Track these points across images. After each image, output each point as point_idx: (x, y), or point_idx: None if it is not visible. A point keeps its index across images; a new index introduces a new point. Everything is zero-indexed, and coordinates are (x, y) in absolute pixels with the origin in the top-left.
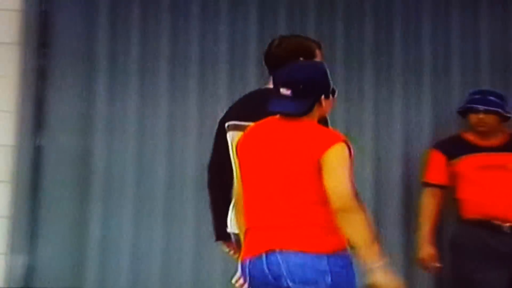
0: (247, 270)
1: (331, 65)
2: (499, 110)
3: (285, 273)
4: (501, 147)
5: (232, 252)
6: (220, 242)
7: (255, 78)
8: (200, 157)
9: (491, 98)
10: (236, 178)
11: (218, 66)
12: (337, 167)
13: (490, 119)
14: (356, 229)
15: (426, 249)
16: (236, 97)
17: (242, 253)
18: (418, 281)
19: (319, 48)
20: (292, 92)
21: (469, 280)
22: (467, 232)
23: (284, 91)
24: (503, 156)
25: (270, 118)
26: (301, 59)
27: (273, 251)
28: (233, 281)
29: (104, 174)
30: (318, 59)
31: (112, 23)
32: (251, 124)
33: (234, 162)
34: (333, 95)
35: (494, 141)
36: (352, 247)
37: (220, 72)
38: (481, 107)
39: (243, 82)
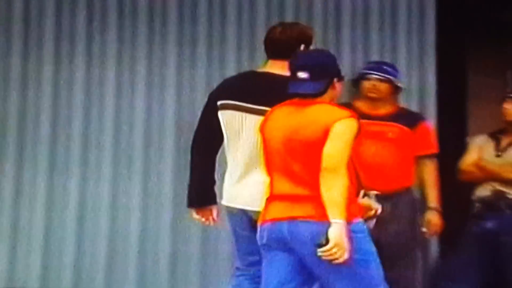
0: (265, 232)
1: None
2: (392, 78)
3: (308, 239)
4: (387, 117)
5: (203, 220)
6: (192, 209)
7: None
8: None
9: (386, 67)
10: (261, 155)
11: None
12: (341, 136)
13: (383, 87)
14: (335, 189)
15: None
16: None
17: (261, 217)
18: None
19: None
20: (310, 74)
21: None
22: None
23: (301, 74)
24: (388, 126)
25: (288, 101)
26: (303, 46)
27: (295, 218)
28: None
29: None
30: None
31: None
32: (245, 104)
33: (259, 141)
34: (342, 80)
35: (383, 110)
36: (325, 205)
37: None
38: (375, 74)
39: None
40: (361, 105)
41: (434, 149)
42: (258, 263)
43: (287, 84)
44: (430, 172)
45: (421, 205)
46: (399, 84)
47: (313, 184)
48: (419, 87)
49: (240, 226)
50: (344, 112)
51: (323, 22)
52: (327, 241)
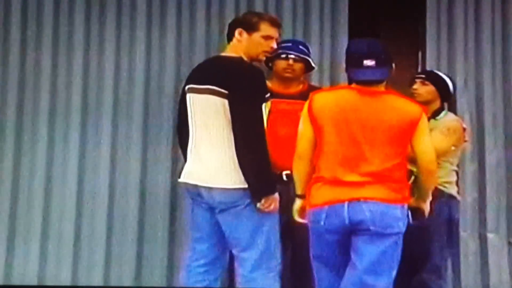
0: (323, 215)
1: None
2: (308, 58)
3: (369, 218)
4: (298, 95)
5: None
6: None
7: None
8: None
9: (301, 47)
10: (304, 137)
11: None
12: (427, 130)
13: (298, 66)
14: (436, 179)
15: None
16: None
17: (315, 200)
18: None
19: (271, 24)
20: (376, 62)
21: None
22: None
23: (368, 62)
24: (299, 104)
25: (342, 87)
26: (239, 30)
27: (358, 200)
28: None
29: None
30: (263, 33)
31: None
32: (196, 85)
33: (303, 125)
34: None
35: (294, 89)
36: (425, 190)
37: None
38: (293, 54)
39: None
40: (273, 83)
41: None
42: (199, 240)
43: (227, 62)
44: None
45: None
46: (313, 64)
47: (380, 172)
48: (331, 65)
49: (195, 203)
50: (418, 105)
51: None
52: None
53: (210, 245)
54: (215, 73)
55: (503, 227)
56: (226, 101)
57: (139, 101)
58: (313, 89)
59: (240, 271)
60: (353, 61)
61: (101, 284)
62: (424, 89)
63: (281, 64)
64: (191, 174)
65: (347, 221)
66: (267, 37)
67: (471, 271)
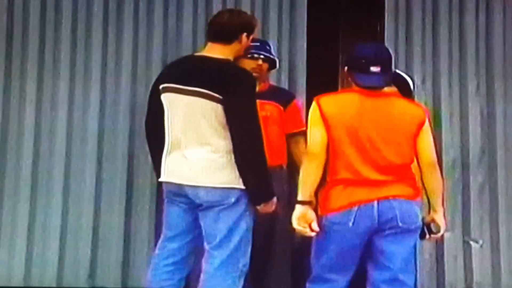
0: (352, 216)
1: None
2: (275, 58)
3: (398, 215)
4: (261, 94)
5: None
6: None
7: None
8: None
9: (268, 47)
10: (318, 140)
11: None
12: (430, 132)
13: (265, 66)
14: (440, 183)
15: None
16: None
17: (339, 202)
18: None
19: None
20: (381, 69)
21: None
22: None
23: (374, 68)
24: (262, 104)
25: (346, 90)
26: (245, 34)
27: (386, 197)
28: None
29: None
30: (254, 35)
31: None
32: (180, 86)
33: (316, 128)
34: None
35: (260, 88)
36: (431, 192)
37: None
38: (263, 54)
39: None
40: None
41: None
42: (172, 239)
43: (219, 66)
44: (303, 149)
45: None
46: (277, 64)
47: (398, 170)
48: (290, 63)
49: (175, 202)
50: (421, 108)
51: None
52: (439, 228)
53: (181, 245)
54: (206, 76)
55: (459, 226)
56: (219, 105)
57: (125, 100)
58: (275, 88)
59: (206, 268)
60: (359, 66)
61: (53, 285)
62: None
63: (249, 63)
64: (174, 173)
65: (376, 220)
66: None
67: (426, 269)
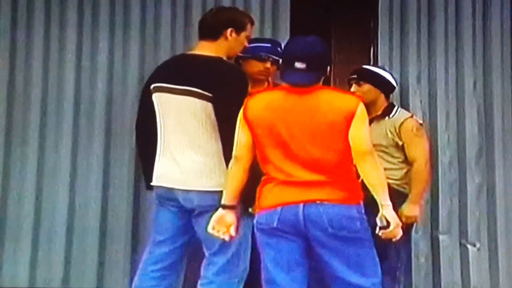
0: (276, 216)
1: None
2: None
3: (325, 221)
4: None
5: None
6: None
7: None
8: None
9: (279, 48)
10: (241, 142)
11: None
12: (364, 120)
13: (273, 69)
14: (379, 172)
15: None
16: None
17: (267, 202)
18: None
19: (252, 23)
20: (307, 65)
21: None
22: None
23: (299, 65)
24: None
25: (273, 88)
26: (230, 29)
27: (313, 201)
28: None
29: None
30: (247, 33)
31: None
32: (171, 85)
33: (240, 130)
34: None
35: (263, 88)
36: (371, 186)
37: None
38: (273, 57)
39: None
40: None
41: None
42: (161, 244)
43: (209, 63)
44: None
45: None
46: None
47: (331, 168)
48: None
49: (167, 206)
50: (355, 97)
51: None
52: (388, 223)
53: (171, 250)
54: (196, 74)
55: (455, 229)
56: (209, 104)
57: (101, 101)
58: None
59: (205, 273)
60: (286, 61)
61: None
62: (361, 91)
63: (257, 65)
64: (165, 176)
65: (302, 224)
66: (248, 37)
67: (422, 272)
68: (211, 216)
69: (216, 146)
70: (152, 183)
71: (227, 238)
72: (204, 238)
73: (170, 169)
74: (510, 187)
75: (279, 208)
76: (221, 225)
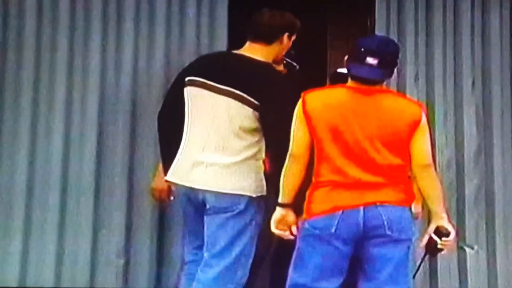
0: (335, 221)
1: None
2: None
3: (384, 222)
4: None
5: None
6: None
7: None
8: None
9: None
10: (300, 140)
11: None
12: (426, 131)
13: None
14: (437, 186)
15: None
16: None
17: (323, 206)
18: None
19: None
20: (379, 61)
21: None
22: None
23: (371, 60)
24: None
25: (341, 85)
26: (287, 34)
27: (373, 203)
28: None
29: None
30: (294, 37)
31: None
32: (212, 83)
33: (298, 127)
34: None
35: None
36: (428, 198)
37: None
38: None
39: None
40: None
41: None
42: (202, 247)
43: (259, 68)
44: None
45: None
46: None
47: (388, 171)
48: None
49: (187, 205)
50: (418, 105)
51: None
52: (448, 233)
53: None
54: (243, 77)
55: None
56: (250, 110)
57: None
58: None
59: (200, 277)
60: (357, 55)
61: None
62: None
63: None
64: (185, 175)
65: (362, 228)
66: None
67: (419, 277)
68: (224, 219)
69: (243, 150)
70: (170, 179)
71: (291, 237)
72: (208, 238)
73: (192, 167)
74: (509, 188)
75: (339, 213)
76: (284, 224)
